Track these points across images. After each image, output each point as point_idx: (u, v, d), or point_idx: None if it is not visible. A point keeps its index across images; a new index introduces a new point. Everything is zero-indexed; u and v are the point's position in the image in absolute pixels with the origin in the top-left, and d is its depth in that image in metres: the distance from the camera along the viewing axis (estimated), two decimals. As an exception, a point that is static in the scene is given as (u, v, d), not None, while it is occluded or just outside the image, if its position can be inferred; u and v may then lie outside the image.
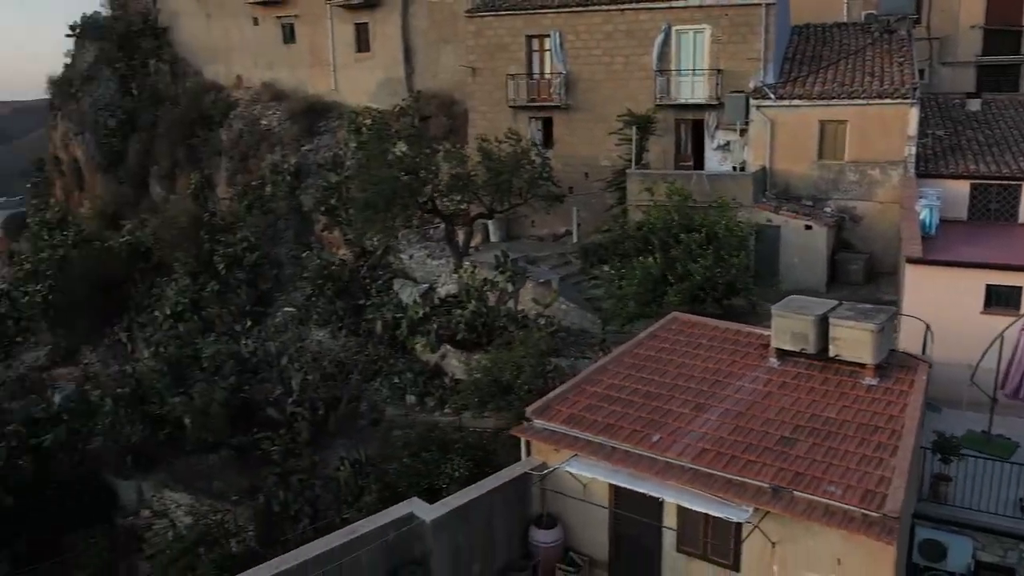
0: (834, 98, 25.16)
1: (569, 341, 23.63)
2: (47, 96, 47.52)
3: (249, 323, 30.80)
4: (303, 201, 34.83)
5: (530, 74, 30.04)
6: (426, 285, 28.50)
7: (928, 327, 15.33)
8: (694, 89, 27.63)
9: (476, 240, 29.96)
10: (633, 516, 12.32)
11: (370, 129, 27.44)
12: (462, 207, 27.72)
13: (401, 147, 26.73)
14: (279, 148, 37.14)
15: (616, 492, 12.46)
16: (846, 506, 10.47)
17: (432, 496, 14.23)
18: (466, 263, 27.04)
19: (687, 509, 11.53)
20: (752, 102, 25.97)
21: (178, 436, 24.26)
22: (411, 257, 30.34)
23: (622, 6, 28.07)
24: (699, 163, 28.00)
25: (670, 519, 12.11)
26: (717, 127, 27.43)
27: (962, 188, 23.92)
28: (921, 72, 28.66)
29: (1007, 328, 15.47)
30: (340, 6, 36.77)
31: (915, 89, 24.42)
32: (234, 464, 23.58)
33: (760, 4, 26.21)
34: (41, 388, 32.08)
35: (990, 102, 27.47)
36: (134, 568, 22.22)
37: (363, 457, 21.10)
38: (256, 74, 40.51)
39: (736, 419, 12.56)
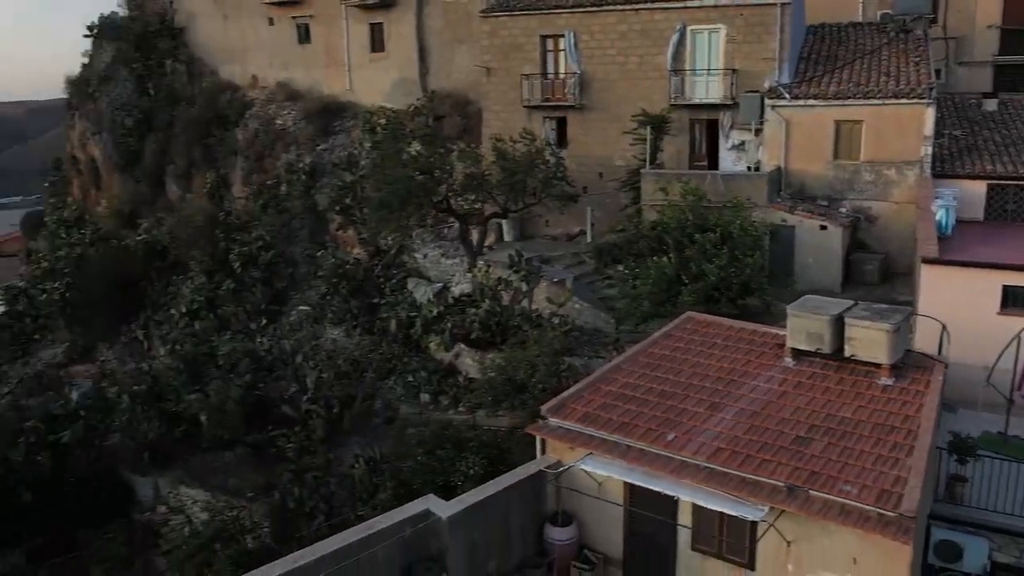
0: (850, 98, 25.09)
1: (583, 340, 23.67)
2: (63, 96, 48.05)
3: (264, 321, 31.05)
4: (318, 200, 35.04)
5: (544, 74, 30.10)
6: (440, 284, 28.60)
7: (944, 327, 15.29)
8: (709, 89, 27.63)
9: (490, 239, 30.04)
10: (648, 514, 12.34)
11: (385, 129, 27.59)
12: (476, 206, 27.81)
13: (416, 147, 26.85)
14: (294, 148, 37.38)
15: (631, 490, 12.48)
16: (862, 505, 10.46)
17: (447, 493, 14.32)
18: (480, 262, 27.12)
19: (702, 507, 11.54)
20: (767, 102, 25.94)
21: (194, 433, 24.44)
22: (425, 256, 30.46)
23: (637, 6, 28.09)
24: (713, 163, 27.99)
25: (685, 517, 12.12)
26: (732, 127, 27.40)
27: (979, 188, 23.82)
28: (937, 72, 28.53)
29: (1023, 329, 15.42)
30: (355, 6, 36.96)
31: (931, 89, 24.31)
32: (249, 461, 23.75)
33: (775, 4, 26.16)
34: (59, 385, 32.39)
35: (1007, 102, 27.32)
36: (151, 563, 22.38)
37: (378, 455, 21.22)
38: (271, 74, 40.78)
39: (751, 418, 12.57)
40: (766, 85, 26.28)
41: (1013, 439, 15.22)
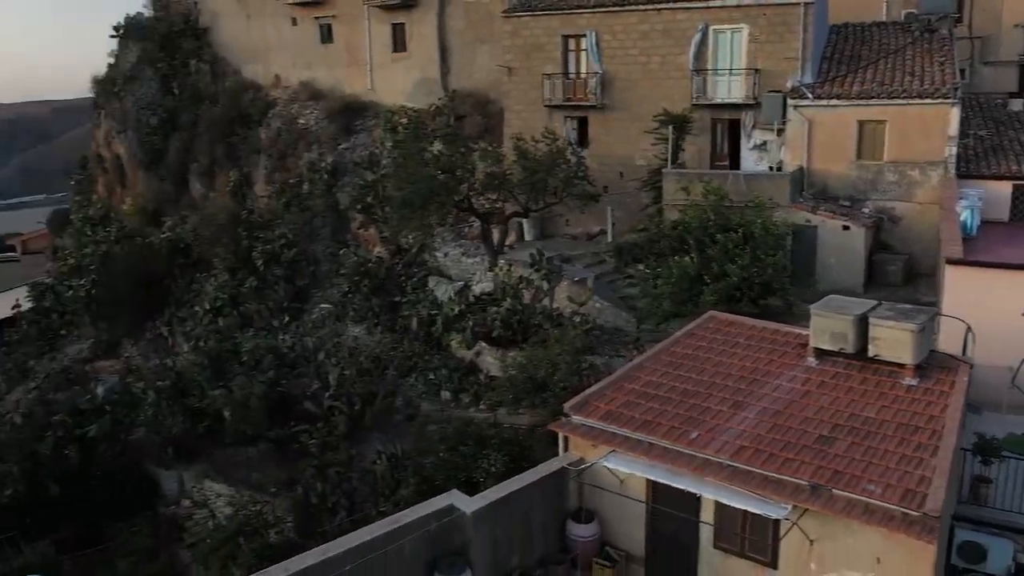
0: (873, 98, 24.97)
1: (603, 339, 23.71)
2: (88, 95, 48.64)
3: (287, 318, 31.30)
4: (340, 199, 35.29)
5: (566, 74, 30.16)
6: (461, 282, 28.74)
7: (969, 328, 15.21)
8: (731, 89, 27.57)
9: (511, 239, 30.14)
10: (670, 511, 12.39)
11: (406, 128, 27.78)
12: (497, 206, 27.92)
13: (437, 146, 27.01)
14: (316, 147, 37.66)
15: (653, 488, 12.53)
16: (886, 504, 10.46)
17: (470, 489, 14.43)
18: (501, 261, 27.24)
19: (725, 505, 11.57)
20: (789, 102, 25.87)
21: (218, 428, 24.70)
22: (446, 255, 30.61)
23: (659, 6, 28.08)
24: (735, 163, 27.94)
25: (707, 515, 12.15)
26: (754, 127, 27.36)
27: (1004, 189, 23.65)
28: (962, 72, 28.31)
29: (1050, 330, 15.31)
30: (377, 6, 37.17)
31: (956, 89, 24.15)
32: (272, 456, 23.99)
33: (799, 3, 26.08)
34: (85, 380, 32.85)
35: (1033, 102, 27.11)
36: (175, 556, 22.66)
37: (399, 451, 21.38)
38: (294, 74, 41.08)
39: (774, 417, 12.59)
40: (789, 85, 26.20)
41: (1038, 441, 15.13)
